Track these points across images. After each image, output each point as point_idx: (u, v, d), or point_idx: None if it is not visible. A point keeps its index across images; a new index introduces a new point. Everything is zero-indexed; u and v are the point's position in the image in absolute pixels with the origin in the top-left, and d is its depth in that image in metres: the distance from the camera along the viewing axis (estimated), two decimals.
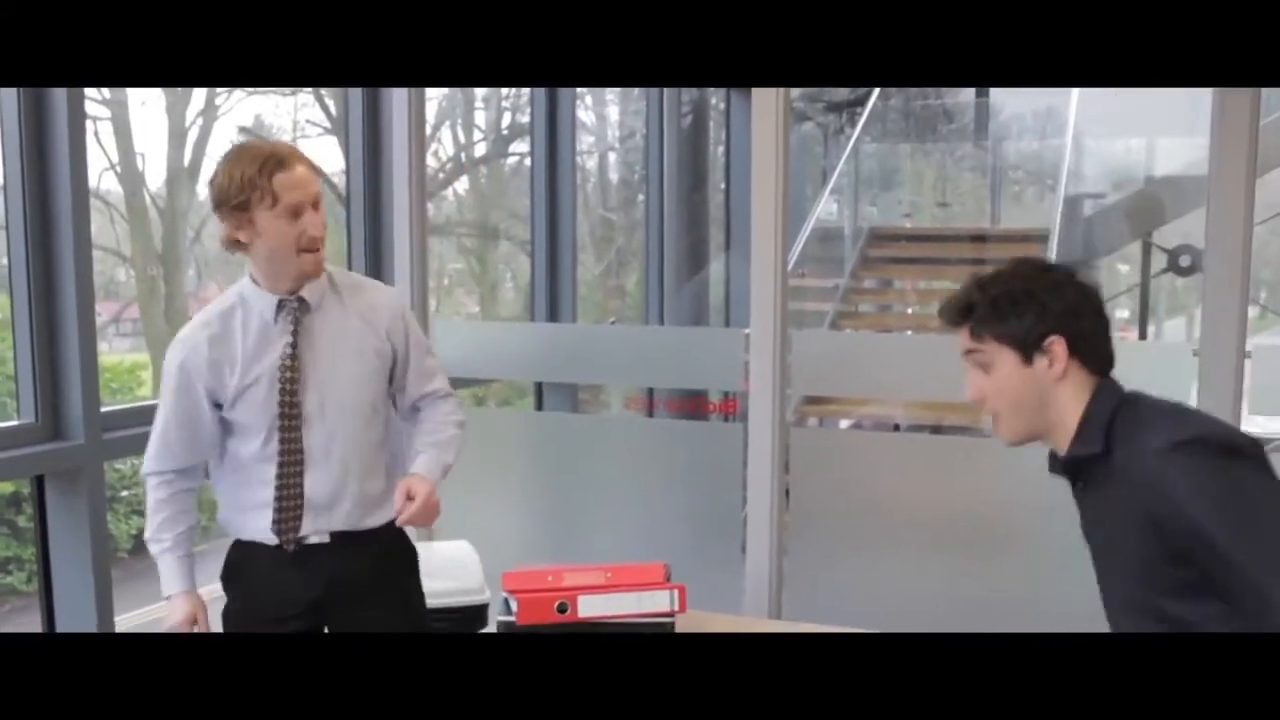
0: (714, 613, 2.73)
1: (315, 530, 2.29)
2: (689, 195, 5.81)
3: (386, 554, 2.41)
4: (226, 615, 2.36)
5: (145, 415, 3.07)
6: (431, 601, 3.20)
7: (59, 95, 2.70)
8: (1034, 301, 1.77)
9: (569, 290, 4.73)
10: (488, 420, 4.11)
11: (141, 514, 2.34)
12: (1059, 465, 1.85)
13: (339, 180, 4.22)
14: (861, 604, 3.16)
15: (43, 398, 2.75)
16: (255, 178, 2.13)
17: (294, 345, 2.24)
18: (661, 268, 5.61)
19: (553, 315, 4.75)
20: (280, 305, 2.25)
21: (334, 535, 2.30)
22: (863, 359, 3.29)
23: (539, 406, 4.43)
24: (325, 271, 2.30)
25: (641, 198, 6.92)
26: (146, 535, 2.30)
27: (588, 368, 3.75)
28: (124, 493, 6.15)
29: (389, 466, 2.41)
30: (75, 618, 2.79)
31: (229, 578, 2.36)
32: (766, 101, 3.04)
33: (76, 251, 2.75)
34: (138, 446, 3.31)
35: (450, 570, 3.32)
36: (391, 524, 2.33)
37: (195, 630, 2.26)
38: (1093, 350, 1.79)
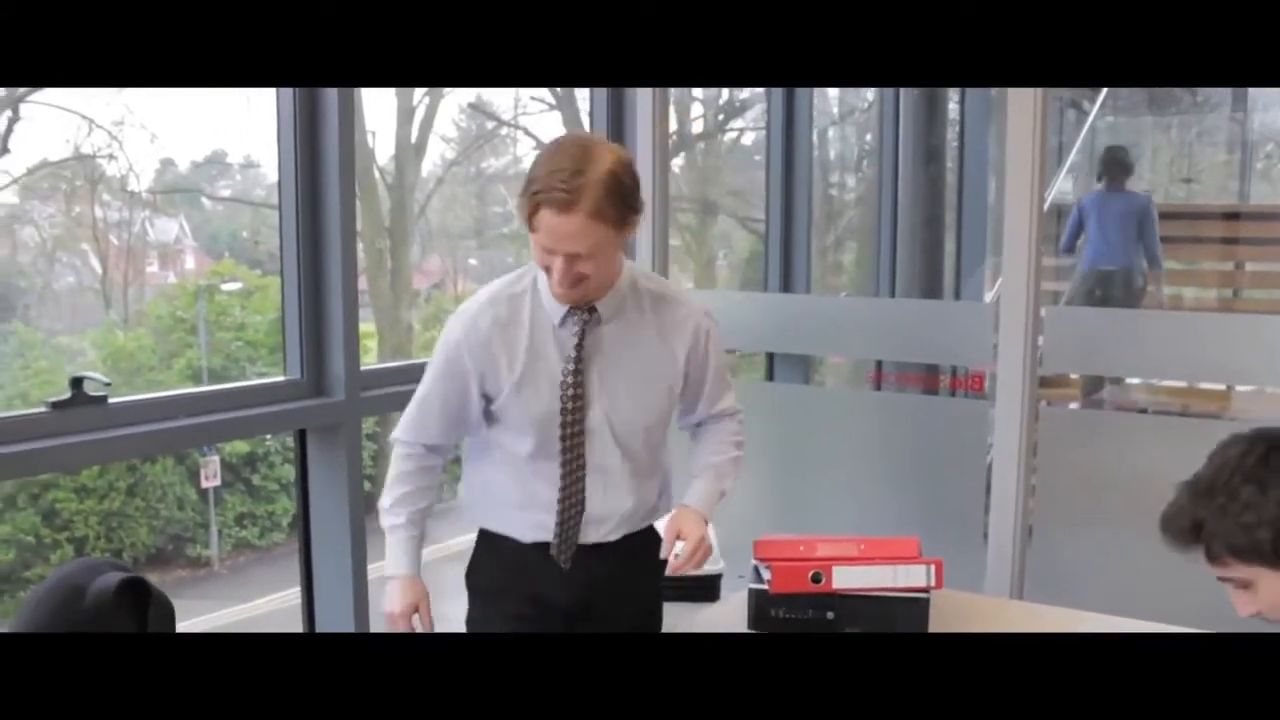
0: (960, 591, 2.65)
1: (586, 541, 2.23)
2: (921, 169, 5.66)
3: (634, 555, 2.33)
4: (474, 603, 2.31)
5: (402, 375, 3.19)
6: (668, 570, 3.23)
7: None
8: (1272, 501, 1.48)
9: (803, 262, 4.67)
10: None
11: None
12: None
13: None
14: (1105, 589, 3.01)
15: (308, 357, 2.86)
16: (527, 197, 1.98)
17: (578, 360, 2.11)
18: (894, 242, 5.49)
19: (785, 287, 4.69)
20: (569, 312, 2.12)
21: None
22: (1120, 337, 3.13)
23: (769, 377, 4.38)
24: (629, 274, 2.17)
25: (860, 172, 6.80)
26: (382, 504, 2.22)
27: (826, 339, 3.69)
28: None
29: (664, 478, 2.36)
30: (332, 567, 2.89)
31: (476, 571, 2.30)
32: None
33: (342, 225, 2.85)
34: (395, 404, 3.44)
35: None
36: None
37: (416, 621, 2.19)
38: None
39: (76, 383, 2.49)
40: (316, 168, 2.81)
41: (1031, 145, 2.94)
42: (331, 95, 2.80)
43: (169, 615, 1.84)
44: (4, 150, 6.65)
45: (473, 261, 9.27)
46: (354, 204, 2.88)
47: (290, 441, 7.76)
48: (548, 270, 2.02)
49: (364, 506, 2.91)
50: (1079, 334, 3.19)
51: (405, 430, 2.25)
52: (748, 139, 8.15)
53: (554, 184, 1.93)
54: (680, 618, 2.63)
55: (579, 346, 2.12)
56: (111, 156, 7.39)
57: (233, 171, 8.70)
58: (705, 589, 3.12)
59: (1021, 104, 2.94)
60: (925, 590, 2.39)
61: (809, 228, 4.73)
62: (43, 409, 2.44)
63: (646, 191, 3.49)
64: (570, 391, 2.12)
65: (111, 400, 2.52)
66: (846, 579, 2.39)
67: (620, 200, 2.00)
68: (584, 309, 2.11)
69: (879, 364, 4.64)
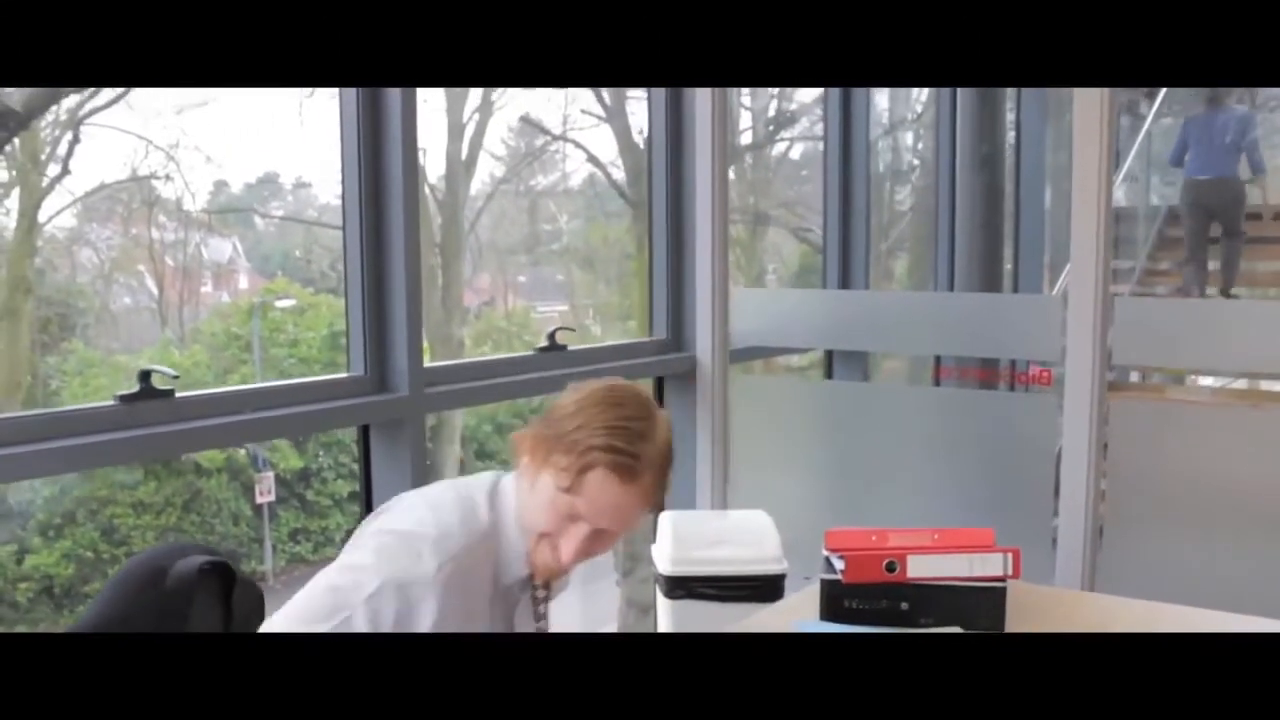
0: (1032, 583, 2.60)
1: None
2: (977, 175, 5.62)
3: None
4: None
5: (466, 372, 3.20)
6: (728, 569, 3.19)
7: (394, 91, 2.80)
8: None
9: (861, 260, 4.63)
10: (779, 389, 4.07)
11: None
12: None
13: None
14: (1179, 586, 2.94)
15: (371, 353, 2.86)
16: (581, 449, 1.61)
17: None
18: (951, 248, 5.45)
19: (844, 285, 4.66)
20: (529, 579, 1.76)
21: None
22: (1193, 327, 3.07)
23: (828, 374, 4.34)
24: None
25: (911, 183, 6.76)
26: None
27: (886, 335, 3.65)
28: None
29: None
30: None
31: None
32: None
33: (406, 218, 2.85)
34: (458, 400, 3.46)
35: (746, 539, 3.30)
36: None
37: None
38: None
39: (145, 376, 2.50)
40: (379, 159, 2.82)
41: (1100, 124, 2.89)
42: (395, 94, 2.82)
43: (256, 601, 1.82)
44: (65, 171, 6.76)
45: (522, 279, 9.29)
46: (417, 193, 2.88)
47: (342, 459, 7.76)
48: (548, 534, 1.68)
49: None
50: (1150, 326, 3.13)
51: None
52: (795, 153, 8.14)
53: (617, 444, 1.61)
54: (749, 615, 2.59)
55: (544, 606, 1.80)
56: (168, 177, 7.49)
57: (284, 193, 8.80)
58: (768, 589, 3.09)
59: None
60: (1002, 579, 2.34)
61: (867, 224, 4.70)
62: (112, 402, 2.45)
63: (705, 199, 3.54)
64: None
65: (178, 395, 2.52)
66: (921, 568, 2.34)
67: (666, 479, 1.73)
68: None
69: (938, 360, 4.60)
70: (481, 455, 7.99)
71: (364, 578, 1.60)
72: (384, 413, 2.86)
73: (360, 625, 1.56)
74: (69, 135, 6.70)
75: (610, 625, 6.42)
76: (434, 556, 1.61)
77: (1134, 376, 5.60)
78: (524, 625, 1.77)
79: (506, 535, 1.70)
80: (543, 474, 1.65)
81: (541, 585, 1.79)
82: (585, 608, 7.21)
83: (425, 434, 2.92)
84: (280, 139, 7.51)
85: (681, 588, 3.19)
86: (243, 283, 8.60)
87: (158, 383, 2.51)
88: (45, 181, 6.71)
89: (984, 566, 2.34)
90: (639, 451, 1.62)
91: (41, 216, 6.84)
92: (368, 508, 2.91)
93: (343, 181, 2.86)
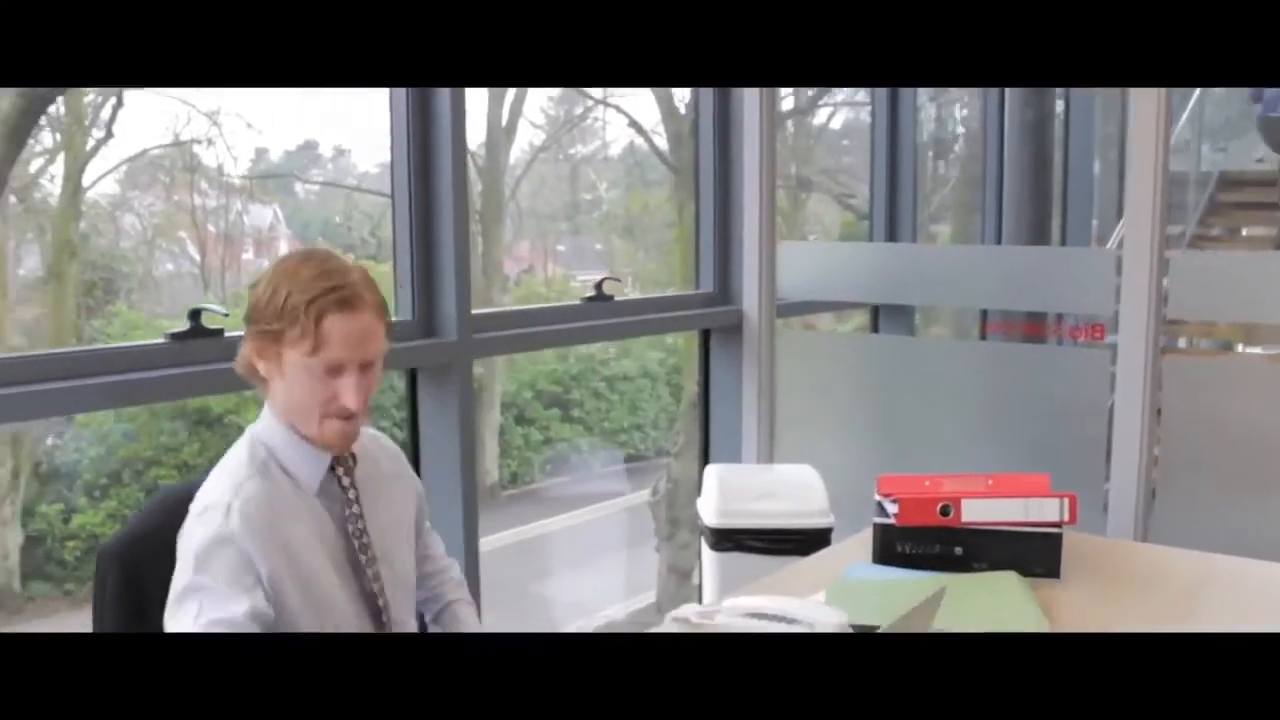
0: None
1: None
2: (1026, 143, 5.54)
3: None
4: None
5: (513, 319, 3.19)
6: (775, 523, 3.18)
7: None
8: None
9: (909, 221, 4.57)
10: (825, 343, 4.03)
11: None
12: None
13: None
14: (1232, 538, 2.90)
15: (419, 298, 2.85)
16: (302, 308, 1.65)
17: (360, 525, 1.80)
18: (999, 216, 5.37)
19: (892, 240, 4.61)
20: (329, 471, 1.79)
21: None
22: (1250, 280, 3.01)
23: (874, 328, 4.29)
24: None
25: (954, 153, 6.69)
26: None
27: (935, 289, 3.60)
28: None
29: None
30: (444, 503, 2.88)
31: None
32: None
33: (454, 172, 2.83)
34: (506, 346, 3.46)
35: (793, 493, 3.28)
36: None
37: None
38: None
39: (194, 315, 2.50)
40: (426, 102, 2.81)
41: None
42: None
43: None
44: (109, 135, 6.80)
45: (561, 247, 9.28)
46: (465, 136, 2.86)
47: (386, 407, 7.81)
48: (330, 401, 1.71)
49: (473, 446, 2.91)
50: (1206, 279, 3.08)
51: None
52: (837, 122, 8.07)
53: (328, 284, 1.66)
54: (796, 564, 2.57)
55: (356, 505, 1.81)
56: (210, 142, 7.52)
57: (324, 161, 8.82)
58: (815, 543, 3.06)
59: None
60: (1058, 525, 2.31)
61: (914, 185, 4.63)
62: (162, 340, 2.46)
63: (754, 149, 3.51)
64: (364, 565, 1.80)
65: (228, 334, 2.52)
66: (976, 512, 2.31)
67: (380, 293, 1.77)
68: (338, 464, 1.79)
69: (984, 316, 4.53)
70: (521, 420, 8.00)
71: (187, 580, 1.63)
72: (432, 357, 2.85)
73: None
74: (113, 99, 6.73)
75: (650, 591, 6.42)
76: (217, 513, 1.66)
77: (1181, 343, 5.53)
78: (339, 522, 1.78)
79: (283, 455, 1.75)
80: (285, 362, 1.69)
81: (344, 472, 1.80)
82: (628, 574, 7.23)
83: (473, 380, 2.91)
84: (319, 107, 7.51)
85: (728, 540, 3.18)
86: (283, 249, 8.64)
87: (207, 322, 2.51)
88: (90, 145, 6.75)
89: (1040, 511, 2.31)
90: (348, 280, 1.68)
91: (85, 180, 6.89)
92: (415, 454, 2.91)
93: (390, 125, 2.85)
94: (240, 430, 1.79)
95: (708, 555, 3.22)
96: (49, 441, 6.89)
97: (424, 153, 2.82)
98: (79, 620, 4.20)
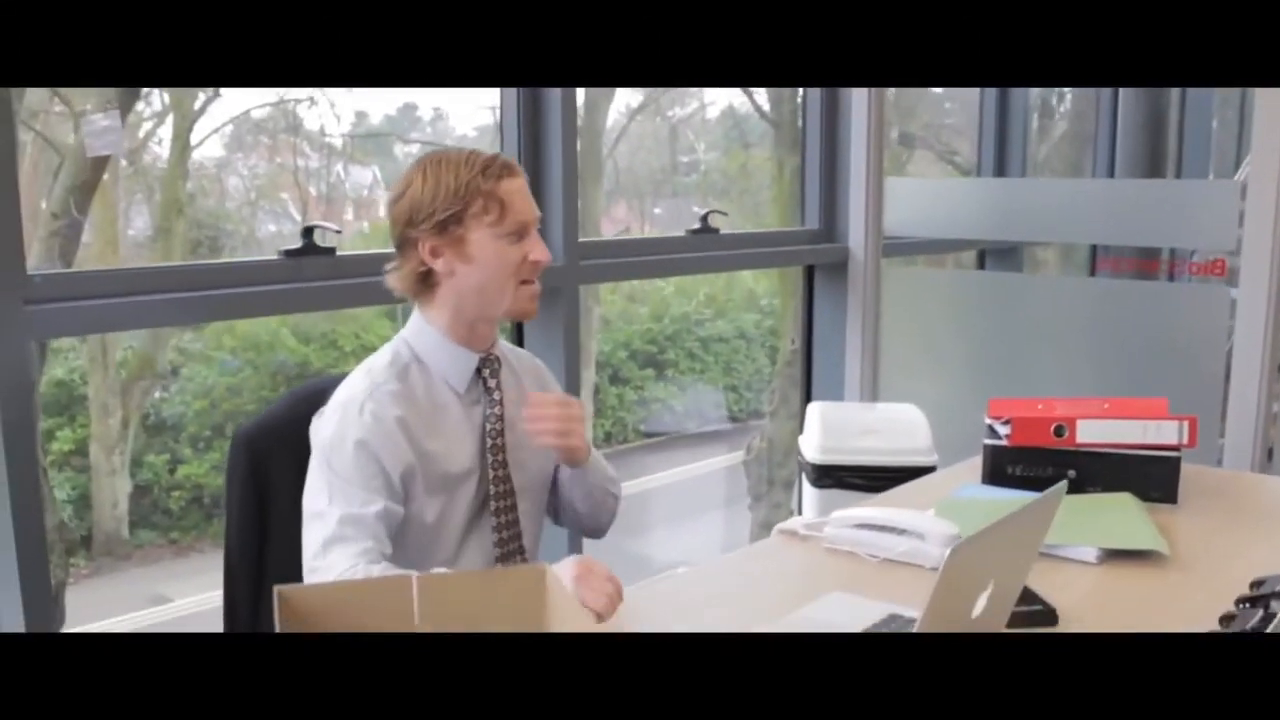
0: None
1: None
2: (1142, 99, 5.35)
3: None
4: None
5: (619, 249, 3.20)
6: (877, 460, 3.14)
7: None
8: None
9: (1018, 148, 4.44)
10: (931, 280, 3.95)
11: None
12: None
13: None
14: None
15: None
16: (476, 181, 1.71)
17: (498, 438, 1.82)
18: (1112, 152, 5.20)
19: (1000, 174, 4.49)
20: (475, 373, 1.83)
21: None
22: None
23: (980, 265, 4.20)
24: None
25: (1060, 112, 6.52)
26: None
27: (1048, 225, 3.51)
28: None
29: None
30: None
31: None
32: None
33: (564, 102, 2.86)
34: (612, 273, 3.46)
35: (897, 430, 3.24)
36: None
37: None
38: None
39: (307, 232, 2.54)
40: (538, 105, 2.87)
41: None
42: None
43: None
44: (215, 94, 6.95)
45: (658, 210, 9.25)
46: (575, 112, 2.90)
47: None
48: (523, 265, 1.76)
49: (578, 369, 2.92)
50: None
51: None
52: None
53: (484, 161, 1.73)
54: (903, 488, 2.54)
55: (499, 405, 1.83)
56: (312, 101, 7.66)
57: (423, 125, 8.91)
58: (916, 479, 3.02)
59: None
60: (1176, 448, 2.25)
61: (1025, 106, 4.47)
62: (275, 256, 2.50)
63: (862, 119, 3.43)
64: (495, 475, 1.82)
65: (340, 253, 2.55)
66: (1092, 433, 2.26)
67: None
68: (484, 365, 1.83)
69: (1093, 252, 4.39)
70: (616, 380, 8.02)
71: (321, 472, 1.71)
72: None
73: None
74: None
75: (743, 547, 6.40)
76: (351, 409, 1.72)
77: None
78: (478, 422, 1.82)
79: (432, 357, 1.80)
80: (470, 243, 1.73)
81: (489, 374, 1.83)
82: (724, 532, 7.22)
83: (580, 306, 2.91)
84: None
85: (829, 477, 3.15)
86: (381, 211, 8.75)
87: (319, 239, 2.54)
88: (198, 104, 6.90)
89: (1158, 434, 2.25)
90: (495, 154, 1.76)
91: (193, 139, 7.04)
92: None
93: (501, 109, 2.88)
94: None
95: (808, 492, 3.20)
96: (156, 394, 7.08)
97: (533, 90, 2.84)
98: (184, 566, 4.31)
